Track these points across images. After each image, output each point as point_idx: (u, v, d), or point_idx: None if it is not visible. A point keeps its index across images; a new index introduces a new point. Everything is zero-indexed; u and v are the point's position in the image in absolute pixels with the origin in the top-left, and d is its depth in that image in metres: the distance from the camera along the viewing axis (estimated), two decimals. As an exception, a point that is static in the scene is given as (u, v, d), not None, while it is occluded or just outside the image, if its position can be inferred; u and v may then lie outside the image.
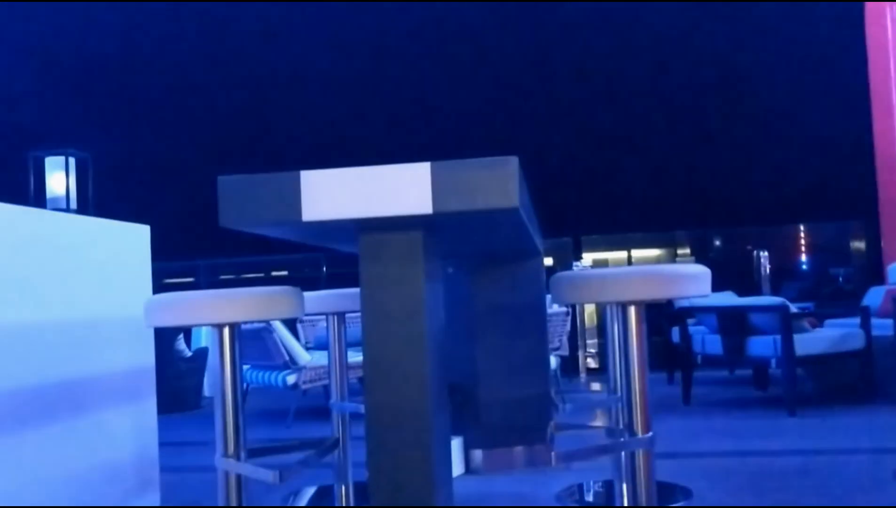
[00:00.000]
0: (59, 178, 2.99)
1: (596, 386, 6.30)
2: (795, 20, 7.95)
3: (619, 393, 2.92)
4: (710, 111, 8.33)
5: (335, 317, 3.14)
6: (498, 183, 1.59)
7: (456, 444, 3.42)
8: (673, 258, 9.83)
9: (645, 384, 2.10)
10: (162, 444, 3.19)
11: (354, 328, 5.79)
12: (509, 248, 2.79)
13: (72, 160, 2.98)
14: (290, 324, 5.74)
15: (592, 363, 7.44)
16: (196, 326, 2.07)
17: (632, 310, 2.09)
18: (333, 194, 1.63)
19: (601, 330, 8.10)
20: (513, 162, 1.59)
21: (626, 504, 2.86)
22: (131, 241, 3.05)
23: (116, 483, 2.85)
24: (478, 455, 3.47)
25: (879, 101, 6.94)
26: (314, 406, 5.99)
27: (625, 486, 2.95)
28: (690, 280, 2.01)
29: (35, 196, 3.01)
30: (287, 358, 5.09)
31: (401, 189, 1.61)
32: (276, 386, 5.23)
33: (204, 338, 6.87)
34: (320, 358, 5.18)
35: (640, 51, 8.39)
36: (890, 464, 3.20)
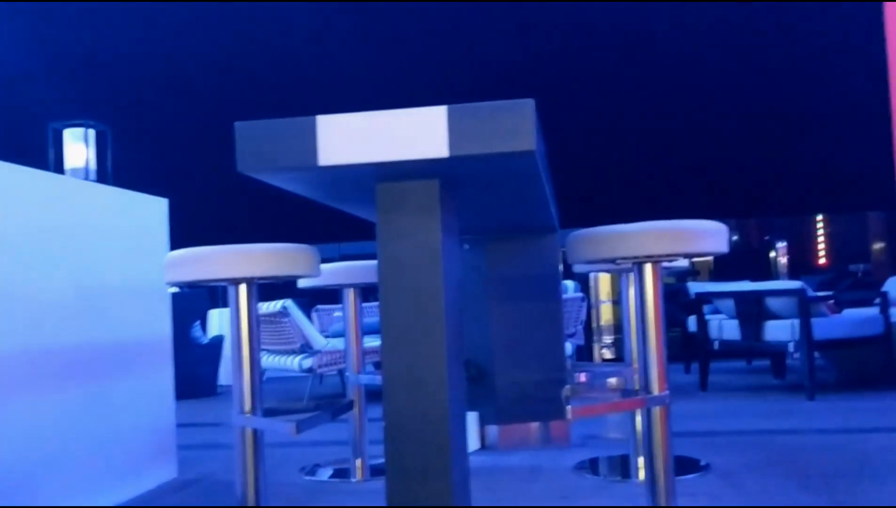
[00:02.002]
0: (78, 149, 3.01)
1: (611, 381, 6.26)
2: (815, 11, 7.91)
3: (634, 361, 2.91)
4: (728, 102, 8.28)
5: (352, 289, 3.15)
6: (514, 126, 1.59)
7: (471, 419, 3.42)
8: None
9: (661, 344, 2.09)
10: (179, 425, 3.21)
11: (371, 316, 5.82)
12: (525, 215, 2.78)
13: (91, 132, 3.01)
14: (306, 313, 5.76)
15: (608, 354, 7.40)
16: (214, 282, 2.08)
17: (647, 268, 2.09)
18: (349, 138, 1.63)
19: (618, 327, 8.09)
20: (529, 105, 1.59)
21: (641, 476, 2.85)
22: (150, 213, 3.07)
23: (133, 450, 2.88)
24: (493, 430, 3.47)
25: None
26: (330, 395, 6.02)
27: (641, 459, 2.95)
28: (707, 236, 2.00)
29: (54, 168, 3.04)
30: (303, 341, 5.11)
31: (417, 133, 1.62)
32: (291, 371, 5.25)
33: (218, 326, 6.91)
34: (336, 344, 5.19)
35: (658, 40, 8.36)
36: (910, 441, 3.17)
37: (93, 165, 3.01)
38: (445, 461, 1.81)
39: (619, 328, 8.36)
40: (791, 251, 8.13)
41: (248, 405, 2.10)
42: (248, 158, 1.65)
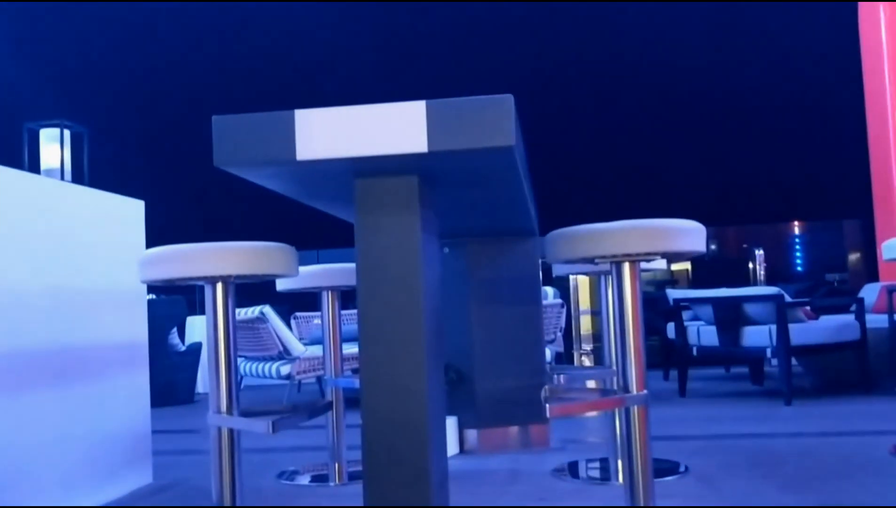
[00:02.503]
0: (53, 150, 2.98)
1: (590, 384, 6.27)
2: (790, 21, 8.00)
3: (613, 363, 2.91)
4: (706, 111, 8.36)
5: (330, 292, 3.13)
6: (494, 122, 1.59)
7: (450, 424, 3.41)
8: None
9: (639, 344, 2.09)
10: (154, 432, 3.16)
11: (350, 323, 5.79)
12: (505, 217, 2.78)
13: (67, 133, 2.97)
14: (284, 321, 5.72)
15: (588, 362, 7.40)
16: (190, 280, 2.06)
17: (626, 268, 2.09)
18: (328, 132, 1.63)
19: (597, 336, 8.10)
20: (508, 101, 1.59)
21: (621, 479, 2.85)
22: (125, 215, 3.04)
23: (109, 452, 2.83)
24: (472, 434, 3.46)
25: (873, 101, 6.97)
26: (308, 402, 5.97)
27: (620, 462, 2.95)
28: (685, 235, 2.01)
29: (29, 169, 3.00)
30: (281, 348, 5.08)
31: (396, 128, 1.61)
32: (269, 377, 5.20)
33: (196, 334, 6.85)
34: (315, 351, 5.16)
35: (640, 51, 8.44)
36: (885, 445, 3.19)
37: (68, 166, 2.97)
38: (424, 464, 1.79)
39: (598, 337, 8.39)
40: (768, 260, 8.21)
41: (224, 405, 2.07)
42: (225, 152, 1.64)
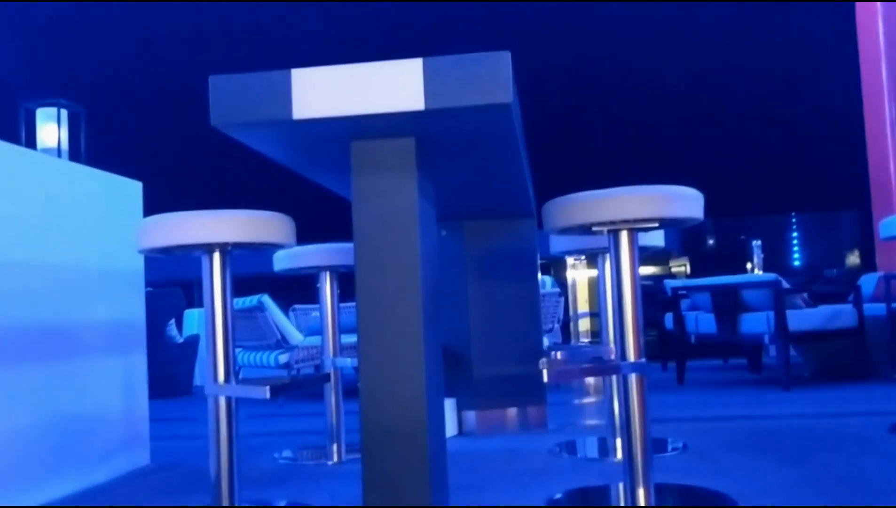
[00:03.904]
0: (50, 129, 2.98)
1: (589, 378, 6.26)
2: (791, 15, 8.02)
3: (610, 341, 2.91)
4: (706, 104, 8.37)
5: (329, 272, 3.13)
6: (491, 78, 1.59)
7: (449, 405, 3.40)
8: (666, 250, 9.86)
9: (636, 313, 2.09)
10: (153, 420, 3.16)
11: (348, 316, 5.80)
12: (502, 194, 2.78)
13: (64, 112, 2.97)
14: (283, 312, 5.72)
15: (590, 376, 7.40)
16: (188, 248, 2.05)
17: (623, 236, 2.09)
18: (324, 91, 1.63)
19: (595, 333, 8.08)
20: (505, 57, 1.59)
21: (619, 456, 2.85)
22: (124, 196, 3.04)
23: (105, 434, 2.83)
24: (471, 416, 3.46)
25: (871, 95, 6.98)
26: (307, 390, 5.96)
27: (619, 441, 2.94)
28: (682, 200, 2.01)
29: (26, 148, 2.99)
30: (279, 337, 5.07)
31: (393, 86, 1.61)
32: (267, 366, 5.20)
33: (195, 325, 6.84)
34: (313, 341, 5.15)
35: (640, 44, 8.44)
36: (883, 425, 3.19)
37: (65, 145, 2.97)
38: (422, 444, 1.79)
39: (596, 334, 8.36)
40: (766, 251, 8.22)
41: (221, 375, 2.07)
42: (221, 111, 1.64)
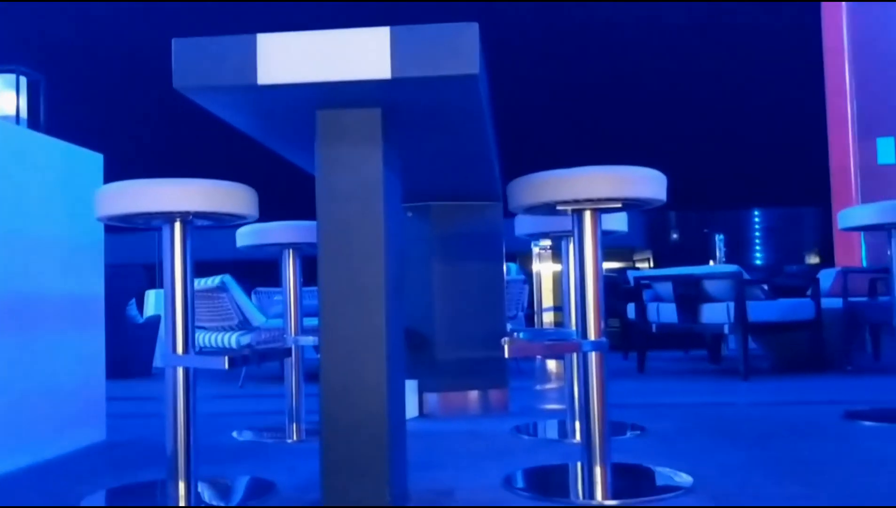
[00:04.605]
0: (8, 97, 2.91)
1: (551, 366, 6.31)
2: (757, 14, 8.11)
3: (573, 324, 2.93)
4: (670, 99, 8.45)
5: (291, 250, 3.10)
6: (458, 49, 1.58)
7: (410, 387, 3.40)
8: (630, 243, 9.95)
9: (598, 292, 2.10)
10: (110, 398, 3.11)
11: (312, 299, 5.76)
12: (469, 176, 2.78)
13: (23, 80, 2.90)
14: (245, 294, 5.66)
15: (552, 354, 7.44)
16: (148, 216, 2.02)
17: (587, 215, 2.10)
18: (290, 57, 1.61)
19: (560, 324, 8.13)
20: (473, 28, 1.59)
21: (578, 438, 2.87)
22: (83, 166, 2.98)
23: (59, 409, 2.78)
24: (433, 398, 3.46)
25: (834, 96, 7.09)
26: (267, 374, 5.93)
27: (578, 424, 2.96)
28: (645, 181, 2.02)
29: (-17, 116, 2.93)
30: (241, 318, 5.03)
31: (359, 54, 1.60)
32: (228, 348, 5.15)
33: (154, 306, 6.76)
34: (275, 323, 5.11)
35: (605, 40, 8.49)
36: (838, 413, 3.25)
37: (24, 113, 2.91)
38: (381, 424, 1.79)
39: (561, 325, 8.42)
40: (728, 246, 8.34)
41: (180, 345, 2.04)
42: (184, 73, 1.61)
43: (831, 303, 5.24)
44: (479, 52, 1.58)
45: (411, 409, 3.39)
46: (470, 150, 2.30)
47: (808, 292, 5.17)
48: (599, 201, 2.03)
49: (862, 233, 6.71)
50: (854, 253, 6.56)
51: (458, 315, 3.51)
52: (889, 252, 3.14)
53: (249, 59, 1.61)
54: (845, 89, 6.90)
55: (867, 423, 2.99)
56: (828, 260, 7.39)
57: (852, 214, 3.10)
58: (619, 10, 8.35)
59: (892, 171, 6.47)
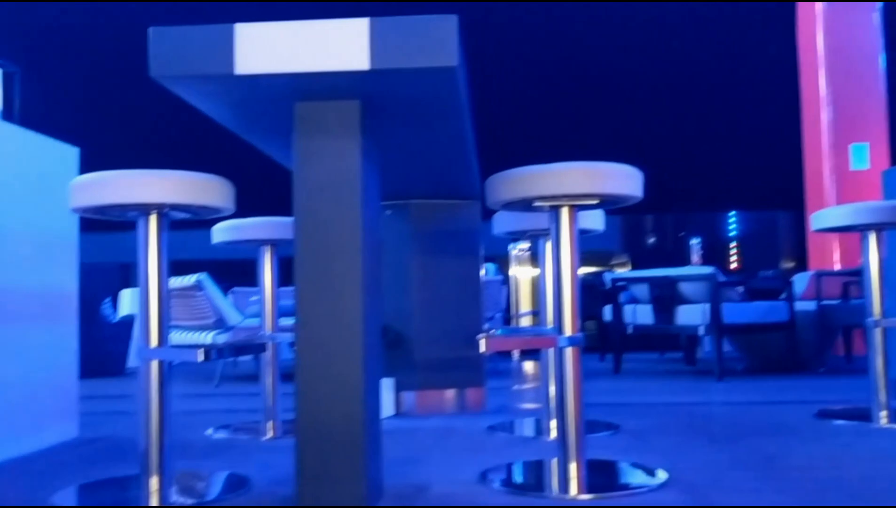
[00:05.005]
0: (-17, 89, 2.88)
1: (528, 367, 6.33)
2: (732, 20, 8.19)
3: (550, 323, 2.94)
4: (650, 101, 8.50)
5: (269, 246, 3.09)
6: (436, 41, 1.59)
7: (387, 385, 3.40)
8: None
9: (575, 288, 2.11)
10: (84, 397, 3.07)
11: (289, 300, 5.73)
12: (448, 173, 2.78)
13: (-1, 71, 2.87)
14: (222, 293, 5.63)
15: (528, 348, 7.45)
16: (123, 208, 2.00)
17: (564, 212, 2.11)
18: (269, 47, 1.60)
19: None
20: (452, 21, 1.59)
21: (554, 435, 2.88)
22: (59, 160, 2.95)
23: (31, 404, 2.75)
24: (409, 396, 3.45)
25: (808, 100, 7.17)
26: (243, 373, 5.90)
27: (554, 422, 2.97)
28: (622, 177, 2.04)
29: (-44, 107, 2.89)
30: (218, 317, 4.99)
31: (338, 45, 1.60)
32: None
33: (129, 305, 6.70)
34: (252, 322, 5.09)
35: (586, 38, 8.52)
36: (810, 412, 3.29)
37: (-1, 105, 2.87)
38: (357, 421, 1.78)
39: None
40: (705, 249, 8.42)
41: (154, 338, 2.03)
42: (161, 62, 1.60)
43: (805, 306, 5.30)
44: (458, 45, 1.58)
45: (388, 407, 3.39)
46: (449, 145, 2.30)
47: (783, 295, 5.23)
48: (576, 196, 2.04)
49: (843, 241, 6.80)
50: (827, 257, 6.64)
51: (435, 314, 3.51)
52: (862, 254, 3.18)
53: (227, 49, 1.60)
54: (820, 96, 6.98)
55: (839, 422, 3.03)
56: (802, 264, 7.48)
57: (826, 215, 3.14)
58: (600, 9, 8.40)
59: (864, 176, 6.56)
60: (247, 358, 6.02)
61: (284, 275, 3.13)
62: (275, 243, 3.07)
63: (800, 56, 7.21)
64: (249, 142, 2.19)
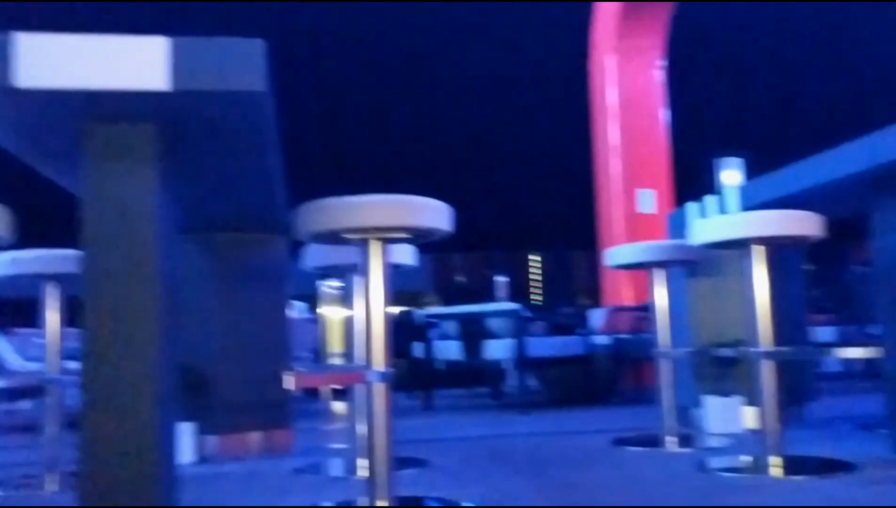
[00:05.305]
0: None
1: (338, 407, 6.23)
2: (532, 70, 8.67)
3: (360, 355, 2.90)
4: (458, 145, 8.78)
5: (52, 282, 2.84)
6: (243, 65, 1.53)
7: (187, 430, 3.20)
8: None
9: (385, 322, 2.09)
10: None
11: (76, 342, 5.30)
12: (255, 204, 2.69)
13: None
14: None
15: (336, 384, 7.35)
16: None
17: (374, 245, 2.10)
18: (56, 61, 1.47)
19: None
20: (259, 45, 1.54)
21: (363, 474, 2.82)
22: None
23: None
24: (211, 440, 3.27)
25: (600, 147, 7.68)
26: (20, 423, 5.36)
27: (362, 460, 2.92)
28: (431, 211, 2.06)
29: None
30: (-6, 361, 4.52)
31: (135, 63, 1.50)
32: (-22, 395, 4.60)
33: None
34: (35, 366, 4.65)
35: (402, 76, 8.67)
36: (607, 440, 3.45)
37: None
38: (151, 471, 1.64)
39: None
40: (510, 287, 8.76)
41: None
42: (-75, 70, 1.43)
43: (600, 339, 5.61)
44: (265, 70, 1.53)
45: (188, 453, 3.19)
46: (255, 175, 2.22)
47: (580, 330, 5.52)
48: (386, 229, 2.03)
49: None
50: (620, 293, 7.09)
51: (239, 353, 3.37)
52: (650, 290, 3.41)
53: (7, 60, 1.46)
54: (610, 145, 7.49)
55: (633, 448, 3.20)
56: (597, 300, 7.93)
57: (618, 253, 3.35)
58: (417, 48, 8.59)
59: (651, 219, 7.09)
60: (26, 406, 5.49)
61: (72, 314, 2.88)
62: (60, 279, 2.83)
63: (592, 107, 7.72)
64: (32, 165, 2.00)
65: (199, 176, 2.19)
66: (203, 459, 3.24)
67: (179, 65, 1.50)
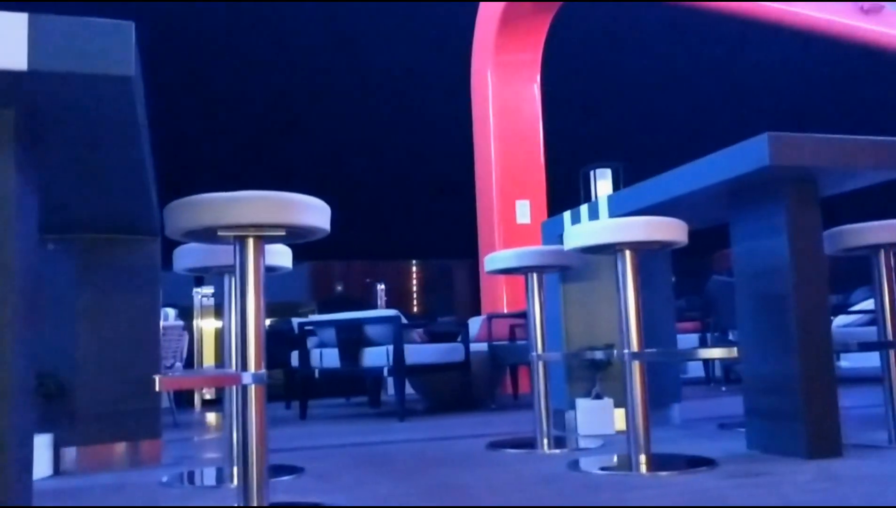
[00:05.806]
0: None
1: (211, 418, 6.03)
2: (415, 80, 8.72)
3: (234, 365, 2.81)
4: (341, 149, 8.70)
5: None
6: (110, 48, 1.45)
7: (43, 442, 3.01)
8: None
9: (259, 325, 2.04)
10: None
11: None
12: (123, 200, 2.56)
13: None
14: None
15: (208, 395, 7.12)
16: None
17: (250, 243, 2.04)
18: None
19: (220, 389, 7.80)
20: (129, 27, 1.47)
21: (236, 483, 2.74)
22: None
23: None
24: (71, 453, 3.09)
25: (481, 161, 7.81)
26: None
27: (235, 469, 2.83)
28: (310, 210, 2.02)
29: None
30: None
31: (-11, 40, 1.40)
32: None
33: None
34: None
35: (291, 78, 8.51)
36: (482, 444, 3.49)
37: None
38: (2, 487, 1.53)
39: (220, 389, 8.07)
40: (389, 295, 8.74)
41: None
42: None
43: (478, 347, 5.68)
44: (134, 54, 1.47)
45: (44, 467, 3.00)
46: (125, 170, 2.12)
47: (459, 337, 5.57)
48: (262, 226, 1.98)
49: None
50: (498, 301, 7.21)
51: (105, 361, 3.20)
52: (526, 295, 3.48)
53: None
54: (490, 156, 7.62)
55: (509, 450, 3.25)
56: (476, 309, 8.04)
57: (496, 258, 3.40)
58: (298, 46, 8.45)
59: (527, 228, 7.25)
60: None
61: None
62: None
63: (474, 119, 7.84)
64: None
65: (64, 168, 2.07)
66: (60, 472, 3.06)
67: (40, 44, 1.42)
